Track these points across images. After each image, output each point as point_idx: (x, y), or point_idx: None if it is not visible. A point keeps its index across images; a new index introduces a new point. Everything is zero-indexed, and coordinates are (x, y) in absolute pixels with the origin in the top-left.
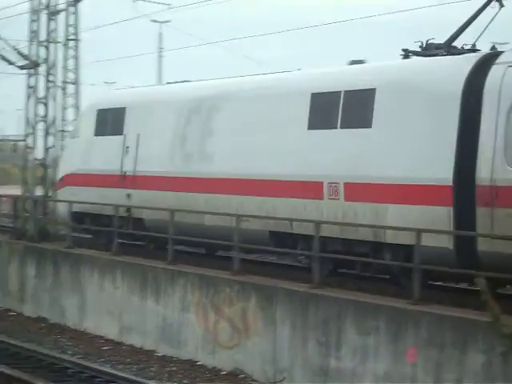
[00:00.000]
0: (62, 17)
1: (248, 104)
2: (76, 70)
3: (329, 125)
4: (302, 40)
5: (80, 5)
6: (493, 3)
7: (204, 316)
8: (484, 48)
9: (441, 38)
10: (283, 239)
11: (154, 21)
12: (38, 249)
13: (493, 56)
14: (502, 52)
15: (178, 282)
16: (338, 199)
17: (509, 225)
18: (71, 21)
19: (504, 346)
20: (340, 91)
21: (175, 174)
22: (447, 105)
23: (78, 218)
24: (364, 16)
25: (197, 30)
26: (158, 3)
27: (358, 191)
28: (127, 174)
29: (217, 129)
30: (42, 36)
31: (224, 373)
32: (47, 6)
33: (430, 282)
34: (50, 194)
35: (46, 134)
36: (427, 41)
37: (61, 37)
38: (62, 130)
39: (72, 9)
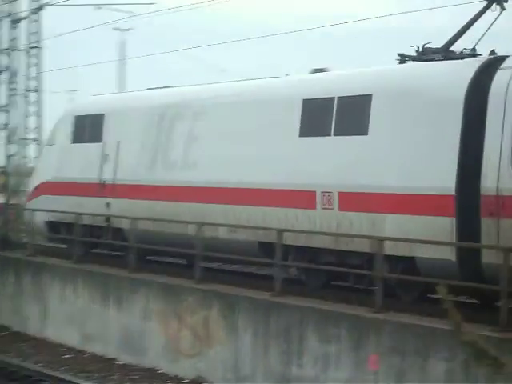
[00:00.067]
0: (24, 24)
1: (235, 110)
2: (38, 77)
3: (322, 132)
4: (264, 49)
5: (42, 13)
6: (493, 6)
7: (166, 324)
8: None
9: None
10: (273, 250)
11: (116, 28)
12: (0, 257)
13: (497, 60)
14: (506, 56)
15: (140, 291)
16: (331, 209)
17: None
18: (33, 29)
19: (466, 354)
20: (333, 97)
21: (158, 183)
22: (449, 110)
23: (54, 227)
24: (322, 26)
25: (160, 38)
26: (120, 11)
27: (353, 201)
28: (106, 182)
29: (202, 136)
30: (4, 44)
31: (186, 381)
32: (9, 14)
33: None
34: (11, 202)
35: (8, 141)
36: (423, 45)
37: (23, 44)
38: (24, 138)
39: (34, 16)
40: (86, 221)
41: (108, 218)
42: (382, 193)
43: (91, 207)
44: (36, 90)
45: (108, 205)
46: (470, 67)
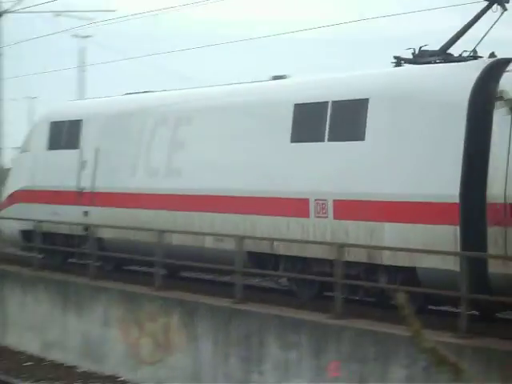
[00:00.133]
0: None
1: (223, 115)
2: None
3: (314, 137)
4: (224, 55)
5: (1, 19)
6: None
7: (126, 332)
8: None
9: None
10: (263, 260)
11: (75, 35)
12: None
13: (503, 63)
14: (511, 59)
15: (100, 298)
16: (326, 217)
17: None
18: None
19: (426, 361)
20: (327, 102)
21: (139, 191)
22: (452, 114)
23: (29, 236)
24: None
25: (120, 45)
26: (81, 18)
27: (349, 209)
28: (85, 190)
29: (187, 142)
30: None
31: None
32: None
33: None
34: None
35: None
36: (420, 48)
37: None
38: None
39: None
40: (63, 230)
41: (86, 228)
42: (381, 200)
43: (69, 216)
44: None
45: (86, 213)
46: (473, 70)
